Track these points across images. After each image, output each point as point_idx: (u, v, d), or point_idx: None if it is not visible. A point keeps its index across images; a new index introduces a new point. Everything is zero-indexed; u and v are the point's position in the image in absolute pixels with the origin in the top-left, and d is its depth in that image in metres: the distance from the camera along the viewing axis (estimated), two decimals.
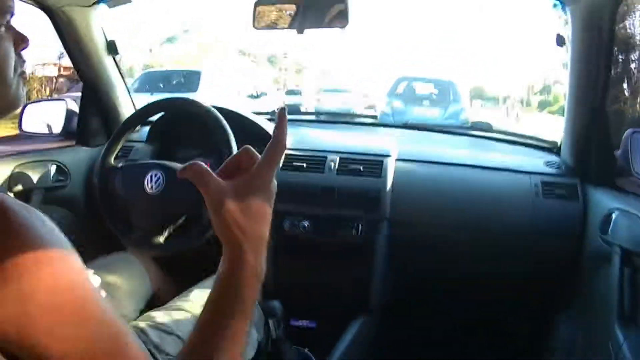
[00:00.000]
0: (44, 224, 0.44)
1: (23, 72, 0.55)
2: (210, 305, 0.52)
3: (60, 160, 1.49)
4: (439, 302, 1.52)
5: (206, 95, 6.82)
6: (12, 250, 0.41)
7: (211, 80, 8.05)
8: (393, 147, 1.48)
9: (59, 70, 14.31)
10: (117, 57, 1.64)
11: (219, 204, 0.51)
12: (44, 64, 13.44)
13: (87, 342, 0.43)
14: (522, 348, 1.57)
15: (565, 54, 1.31)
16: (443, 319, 1.56)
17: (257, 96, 9.57)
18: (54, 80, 14.03)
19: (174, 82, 8.12)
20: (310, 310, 1.37)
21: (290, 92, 14.47)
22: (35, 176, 1.40)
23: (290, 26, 1.26)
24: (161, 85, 7.88)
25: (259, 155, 0.54)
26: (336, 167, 1.39)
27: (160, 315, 0.95)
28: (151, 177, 1.21)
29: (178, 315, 0.96)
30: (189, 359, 0.50)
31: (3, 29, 0.52)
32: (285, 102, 11.05)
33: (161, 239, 1.20)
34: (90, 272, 1.03)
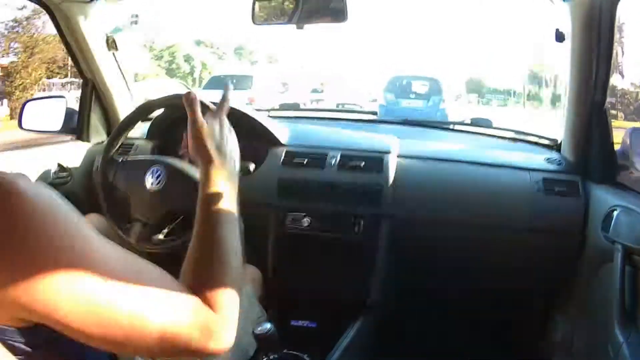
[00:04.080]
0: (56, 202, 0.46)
1: None
2: (194, 229, 0.60)
3: (61, 158, 1.49)
4: (438, 299, 1.52)
5: (260, 92, 8.86)
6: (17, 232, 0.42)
7: (261, 80, 9.88)
8: (394, 143, 1.47)
9: None
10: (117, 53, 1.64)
11: (200, 124, 0.67)
12: None
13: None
14: (522, 347, 1.57)
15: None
16: (442, 317, 1.56)
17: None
18: None
19: (233, 82, 9.30)
20: (310, 308, 1.37)
21: (314, 91, 15.20)
22: (36, 174, 1.40)
23: (290, 21, 1.26)
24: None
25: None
26: (337, 163, 1.39)
27: None
28: (152, 172, 1.21)
29: None
30: (184, 278, 0.57)
31: None
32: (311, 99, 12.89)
33: (161, 235, 1.20)
34: None
